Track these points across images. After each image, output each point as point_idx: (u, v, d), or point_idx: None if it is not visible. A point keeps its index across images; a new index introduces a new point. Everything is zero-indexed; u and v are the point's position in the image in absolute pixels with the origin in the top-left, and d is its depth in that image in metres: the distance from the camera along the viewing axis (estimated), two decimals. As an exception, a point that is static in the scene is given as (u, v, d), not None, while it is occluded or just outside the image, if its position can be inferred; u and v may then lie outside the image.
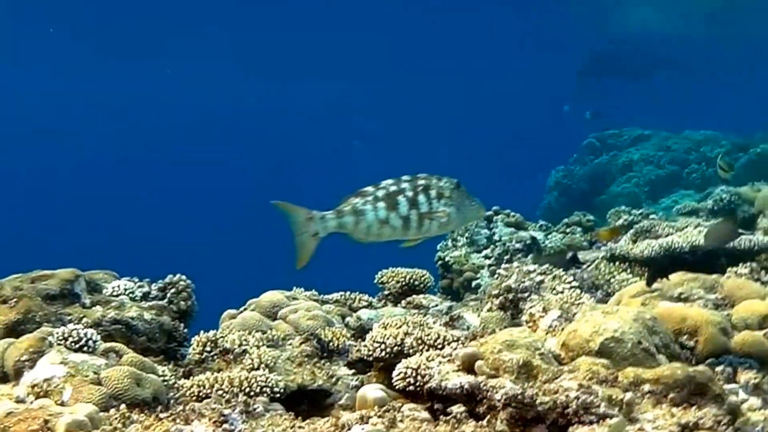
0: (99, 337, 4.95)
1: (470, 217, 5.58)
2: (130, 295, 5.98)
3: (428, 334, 4.87)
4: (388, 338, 4.91)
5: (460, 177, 5.07)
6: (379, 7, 29.97)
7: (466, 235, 9.17)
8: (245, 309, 5.88)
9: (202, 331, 5.48)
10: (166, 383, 5.01)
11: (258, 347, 5.16)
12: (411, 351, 4.81)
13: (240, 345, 5.21)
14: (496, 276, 5.94)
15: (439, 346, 4.78)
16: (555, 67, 28.35)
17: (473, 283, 8.59)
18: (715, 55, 29.21)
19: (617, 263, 7.06)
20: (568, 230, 9.42)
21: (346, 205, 5.12)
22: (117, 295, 5.94)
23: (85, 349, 4.81)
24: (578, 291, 5.65)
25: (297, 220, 5.14)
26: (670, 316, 4.95)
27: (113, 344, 5.00)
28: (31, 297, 5.57)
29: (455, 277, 8.83)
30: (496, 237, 9.17)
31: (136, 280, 6.28)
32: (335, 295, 6.44)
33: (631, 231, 8.15)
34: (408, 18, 31.04)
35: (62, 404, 4.41)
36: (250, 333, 5.37)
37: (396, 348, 4.87)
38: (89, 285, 6.00)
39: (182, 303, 6.21)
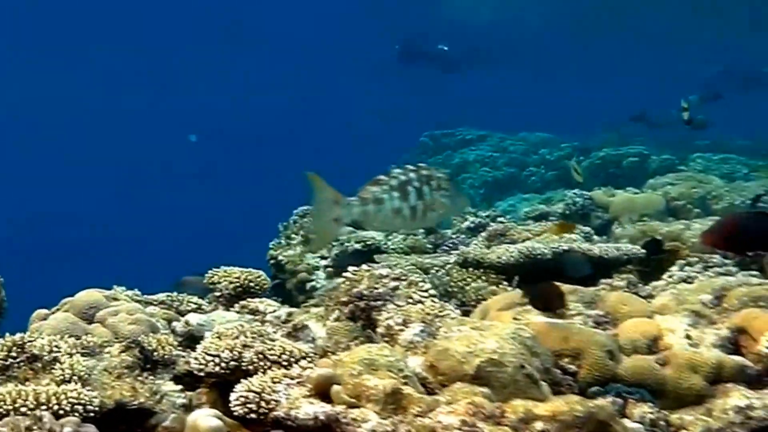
0: None
1: (459, 209, 5.55)
2: (-77, 289, 5.25)
3: (271, 348, 4.27)
4: (223, 351, 4.31)
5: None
6: None
7: (301, 232, 8.54)
8: (58, 309, 5.15)
9: (8, 334, 4.78)
10: (-39, 393, 4.35)
11: (70, 355, 4.48)
12: (251, 367, 4.22)
13: (50, 351, 4.53)
14: (343, 280, 5.30)
15: (285, 363, 4.17)
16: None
17: (308, 285, 7.97)
18: (548, 50, 29.12)
19: (470, 269, 6.48)
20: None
21: (366, 193, 4.77)
22: None
23: None
24: (441, 302, 5.05)
25: (323, 200, 4.70)
26: (549, 334, 4.44)
27: None
28: None
29: (288, 278, 8.19)
30: (335, 235, 8.57)
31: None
32: (160, 296, 5.77)
33: (483, 234, 7.65)
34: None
35: None
36: (62, 338, 4.67)
37: (233, 363, 4.27)
38: None
39: (-11, 301, 5.54)
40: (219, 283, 6.03)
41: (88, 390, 4.19)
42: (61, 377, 4.29)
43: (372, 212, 4.78)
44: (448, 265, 6.81)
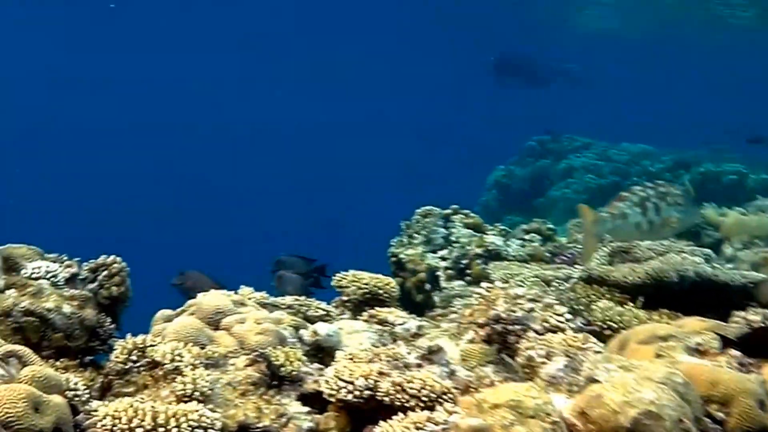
0: (-3, 338, 3.52)
1: (692, 222, 5.96)
2: (53, 279, 4.53)
3: (410, 381, 3.49)
4: (357, 378, 3.54)
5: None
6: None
7: (423, 232, 7.78)
8: (183, 311, 4.41)
9: (129, 335, 4.08)
10: (78, 398, 3.64)
11: (194, 367, 3.76)
12: (387, 399, 3.47)
13: (172, 360, 3.80)
14: (477, 298, 4.55)
15: (425, 399, 3.43)
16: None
17: (427, 286, 7.20)
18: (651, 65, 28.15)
19: (594, 286, 5.68)
20: (527, 237, 8.04)
21: (613, 208, 5.20)
22: (37, 278, 4.50)
23: (-24, 353, 3.41)
24: (583, 333, 4.27)
25: (588, 221, 5.34)
26: (696, 377, 3.62)
27: (15, 347, 3.56)
28: None
29: (408, 276, 7.43)
30: (453, 238, 7.78)
31: (65, 258, 4.89)
32: (288, 299, 5.00)
33: (606, 249, 6.84)
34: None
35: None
36: (185, 345, 3.94)
37: (367, 392, 3.53)
38: (6, 262, 4.59)
39: (114, 288, 4.83)
40: (347, 287, 5.29)
41: (210, 409, 3.48)
42: (182, 392, 3.57)
43: (618, 226, 5.19)
44: (572, 280, 6.00)
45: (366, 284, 5.23)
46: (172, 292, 5.24)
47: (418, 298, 7.19)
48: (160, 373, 3.78)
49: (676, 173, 13.74)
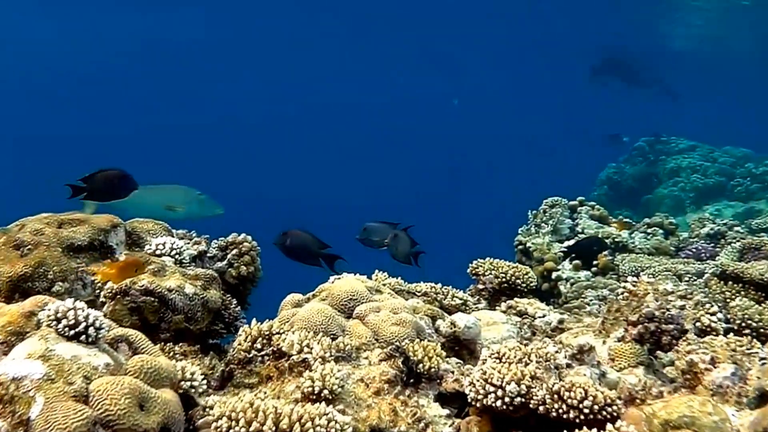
0: (106, 322, 2.74)
1: None
2: (177, 256, 3.77)
3: (569, 389, 2.64)
4: (509, 381, 2.70)
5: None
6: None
7: (551, 222, 6.91)
8: (314, 296, 3.61)
9: (255, 320, 3.31)
10: (194, 390, 2.87)
11: (324, 361, 2.96)
12: (541, 408, 2.64)
13: (300, 351, 3.01)
14: (620, 291, 3.69)
15: (586, 411, 2.59)
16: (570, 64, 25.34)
17: (553, 275, 6.34)
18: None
19: (729, 283, 4.77)
20: (649, 230, 7.14)
21: None
22: (160, 255, 3.74)
23: (83, 338, 2.64)
24: (748, 337, 3.39)
25: None
26: None
27: (127, 332, 2.80)
28: (49, 246, 3.44)
29: (534, 265, 6.58)
30: (579, 228, 6.91)
31: (194, 235, 4.15)
32: (423, 286, 4.15)
33: (736, 245, 5.91)
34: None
35: (27, 423, 2.28)
36: (315, 335, 3.14)
37: (518, 399, 2.70)
38: (130, 237, 3.85)
39: (243, 268, 4.12)
40: (484, 275, 4.45)
41: (340, 411, 2.69)
42: (310, 388, 2.77)
43: None
44: (706, 275, 5.08)
45: (504, 272, 4.39)
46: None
47: (544, 287, 6.37)
48: (287, 364, 3.00)
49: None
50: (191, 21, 27.85)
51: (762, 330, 4.05)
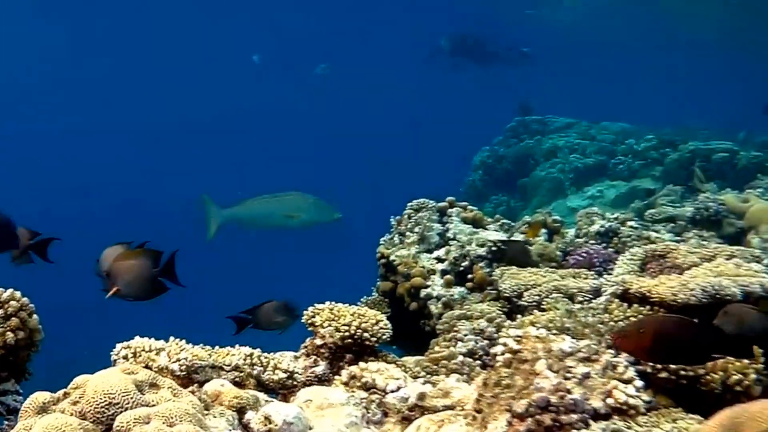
0: None
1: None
2: None
3: None
4: None
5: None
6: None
7: (416, 229, 5.89)
8: (66, 395, 2.49)
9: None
10: None
11: None
12: None
13: None
14: (500, 349, 2.67)
15: None
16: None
17: (422, 293, 5.35)
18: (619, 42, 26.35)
19: (634, 305, 3.80)
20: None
21: None
22: None
23: None
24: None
25: None
26: None
27: None
28: None
29: (400, 280, 5.57)
30: (450, 234, 5.88)
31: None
32: (235, 357, 3.01)
33: (636, 252, 4.92)
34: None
35: None
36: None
37: None
38: None
39: (9, 335, 3.03)
40: (322, 326, 3.38)
41: None
42: None
43: None
44: (605, 297, 4.09)
45: (347, 324, 3.32)
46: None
47: (412, 306, 5.40)
48: None
49: (662, 152, 12.02)
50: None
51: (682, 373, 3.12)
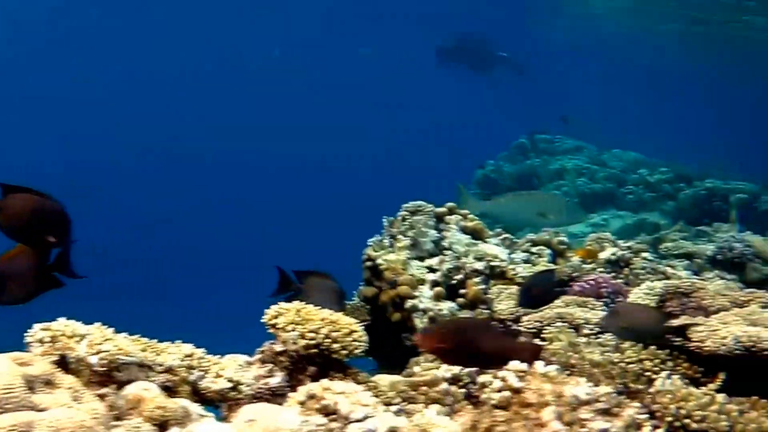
0: None
1: None
2: None
3: None
4: None
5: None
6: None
7: (410, 233, 5.34)
8: None
9: None
10: None
11: None
12: None
13: None
14: (498, 384, 2.12)
15: None
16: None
17: (408, 303, 4.82)
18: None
19: (651, 347, 3.25)
20: (534, 249, 5.69)
21: None
22: None
23: None
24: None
25: None
26: None
27: None
28: None
29: (385, 287, 5.01)
30: (446, 243, 5.33)
31: None
32: (170, 357, 2.44)
33: (654, 287, 4.38)
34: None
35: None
36: None
37: None
38: None
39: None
40: (284, 329, 2.81)
41: None
42: None
43: None
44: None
45: (314, 332, 2.75)
46: None
47: (395, 317, 4.89)
48: None
49: (676, 186, 11.54)
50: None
51: None
